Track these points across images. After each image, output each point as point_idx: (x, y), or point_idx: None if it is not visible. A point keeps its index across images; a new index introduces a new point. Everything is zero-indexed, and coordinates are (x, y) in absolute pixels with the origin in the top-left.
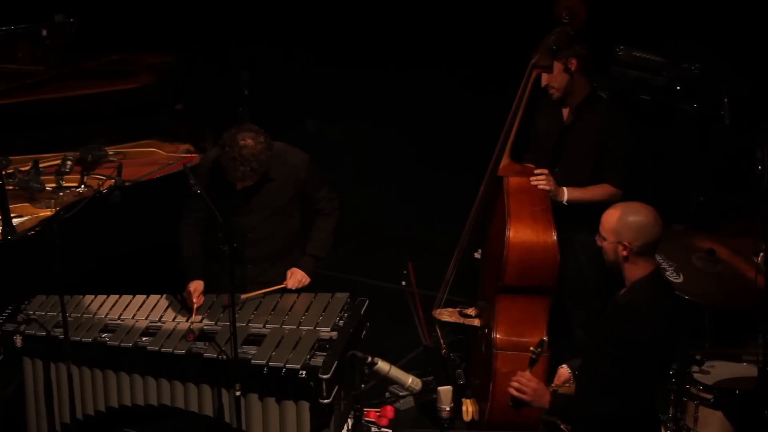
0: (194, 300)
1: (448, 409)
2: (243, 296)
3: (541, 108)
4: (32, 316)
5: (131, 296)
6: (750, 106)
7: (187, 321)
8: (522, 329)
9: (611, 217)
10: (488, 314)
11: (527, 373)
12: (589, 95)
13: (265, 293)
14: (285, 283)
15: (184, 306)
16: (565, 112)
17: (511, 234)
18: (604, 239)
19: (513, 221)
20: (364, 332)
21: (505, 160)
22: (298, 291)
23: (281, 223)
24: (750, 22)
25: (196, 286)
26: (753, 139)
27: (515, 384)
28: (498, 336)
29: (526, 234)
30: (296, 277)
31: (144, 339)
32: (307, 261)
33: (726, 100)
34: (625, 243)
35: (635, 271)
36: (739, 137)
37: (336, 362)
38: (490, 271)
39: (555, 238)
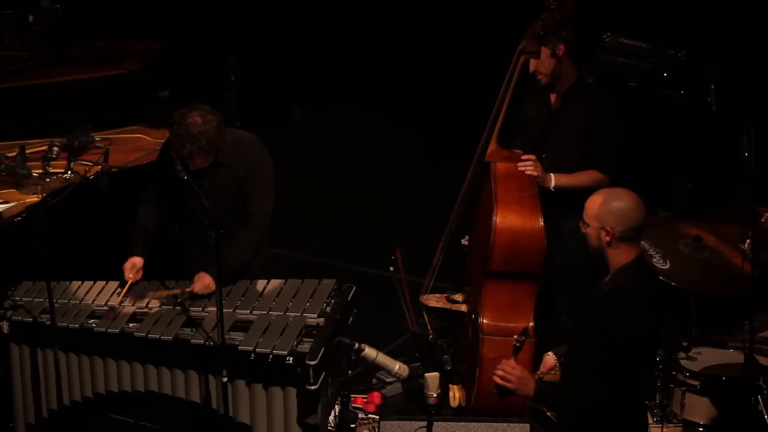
0: (129, 276)
1: (435, 395)
2: (151, 297)
3: (529, 94)
4: (19, 302)
5: (118, 282)
6: (737, 92)
7: (117, 296)
8: (509, 314)
9: (594, 203)
10: (475, 300)
11: (512, 361)
12: (577, 81)
13: (164, 297)
14: (192, 287)
15: (158, 286)
16: (553, 97)
17: (498, 219)
18: (588, 225)
19: (500, 207)
20: (351, 318)
21: (492, 146)
22: (284, 278)
23: (234, 213)
24: (737, 8)
25: (135, 262)
26: (739, 126)
27: (500, 372)
28: (484, 321)
29: (513, 219)
30: (203, 282)
31: (131, 325)
32: (217, 268)
33: (713, 87)
34: (608, 228)
35: (619, 257)
36: (726, 124)
37: (323, 348)
38: (477, 257)
39: (542, 223)
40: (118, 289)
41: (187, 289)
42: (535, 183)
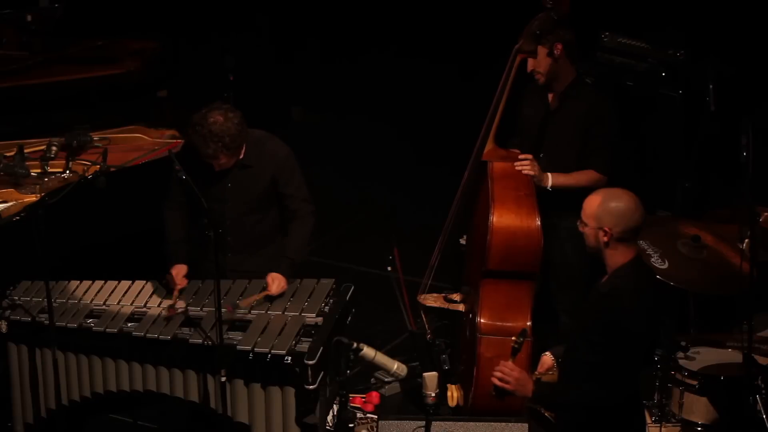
0: (177, 283)
1: (433, 395)
2: (241, 305)
3: (527, 93)
4: (17, 302)
5: (116, 282)
6: (735, 92)
7: (169, 302)
8: (506, 314)
9: (592, 203)
10: (473, 299)
11: (510, 363)
12: (574, 81)
13: (255, 302)
14: (268, 289)
15: (169, 291)
16: (551, 97)
17: (495, 219)
18: (585, 225)
19: (497, 206)
20: (349, 318)
21: (489, 146)
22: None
23: (259, 214)
24: (736, 7)
25: (179, 270)
26: (738, 125)
27: (498, 374)
28: (482, 321)
29: (509, 219)
30: (279, 284)
31: (129, 325)
32: (286, 265)
33: (711, 86)
34: (606, 229)
35: (616, 258)
36: (724, 123)
37: (321, 348)
38: (475, 256)
39: (539, 223)
40: (165, 297)
41: (265, 293)
42: (532, 182)
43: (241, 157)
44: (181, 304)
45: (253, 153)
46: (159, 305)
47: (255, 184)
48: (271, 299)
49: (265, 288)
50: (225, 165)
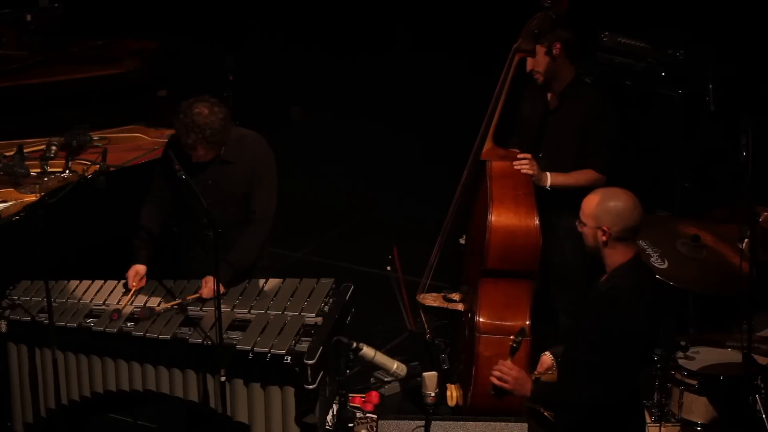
0: (133, 284)
1: (433, 394)
2: (157, 308)
3: (527, 93)
4: (17, 302)
5: (116, 281)
6: (735, 91)
7: (120, 301)
8: (505, 313)
9: (590, 203)
10: (471, 298)
11: (508, 362)
12: (574, 80)
13: (178, 305)
14: (200, 292)
15: (169, 292)
16: (551, 96)
17: (494, 218)
18: (584, 225)
19: (495, 205)
20: (349, 318)
21: (488, 145)
22: (282, 277)
23: (237, 211)
24: (735, 7)
25: (138, 270)
26: (738, 125)
27: (497, 373)
28: (481, 320)
29: (508, 218)
30: (210, 288)
31: (129, 324)
32: (224, 269)
33: (711, 86)
34: (605, 228)
35: (615, 257)
36: (724, 123)
37: (321, 348)
38: (473, 255)
39: (537, 222)
40: (122, 296)
41: (194, 295)
42: (530, 181)
43: (221, 153)
44: (128, 309)
45: (235, 150)
46: (159, 305)
47: (233, 182)
48: (203, 301)
49: (198, 290)
50: (202, 158)
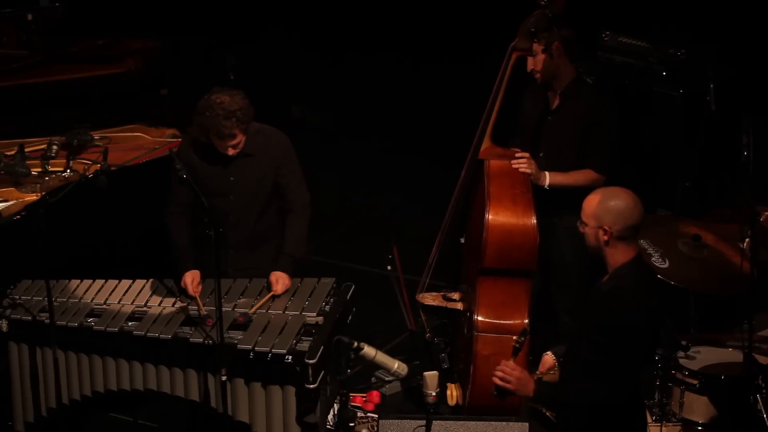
0: (192, 290)
1: (434, 394)
2: (250, 312)
3: (528, 92)
4: (18, 301)
5: (117, 281)
6: (736, 91)
7: (196, 310)
8: (503, 312)
9: (591, 202)
10: (470, 297)
11: (511, 362)
12: (574, 80)
13: (261, 305)
14: (274, 290)
15: (170, 291)
16: (551, 96)
17: (491, 216)
18: (585, 224)
19: (493, 204)
20: (350, 317)
21: (485, 144)
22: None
23: (261, 208)
24: (736, 6)
25: (194, 276)
26: (738, 125)
27: (499, 374)
28: (479, 318)
29: (505, 216)
30: (283, 282)
31: (130, 324)
32: (286, 262)
33: (712, 85)
34: (606, 227)
35: (617, 257)
36: (725, 123)
37: (322, 347)
38: (472, 254)
39: (534, 221)
40: (190, 302)
41: (271, 294)
42: (528, 180)
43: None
44: (207, 311)
45: (256, 142)
46: (160, 305)
47: (258, 174)
48: (275, 298)
49: (267, 287)
50: (240, 146)
